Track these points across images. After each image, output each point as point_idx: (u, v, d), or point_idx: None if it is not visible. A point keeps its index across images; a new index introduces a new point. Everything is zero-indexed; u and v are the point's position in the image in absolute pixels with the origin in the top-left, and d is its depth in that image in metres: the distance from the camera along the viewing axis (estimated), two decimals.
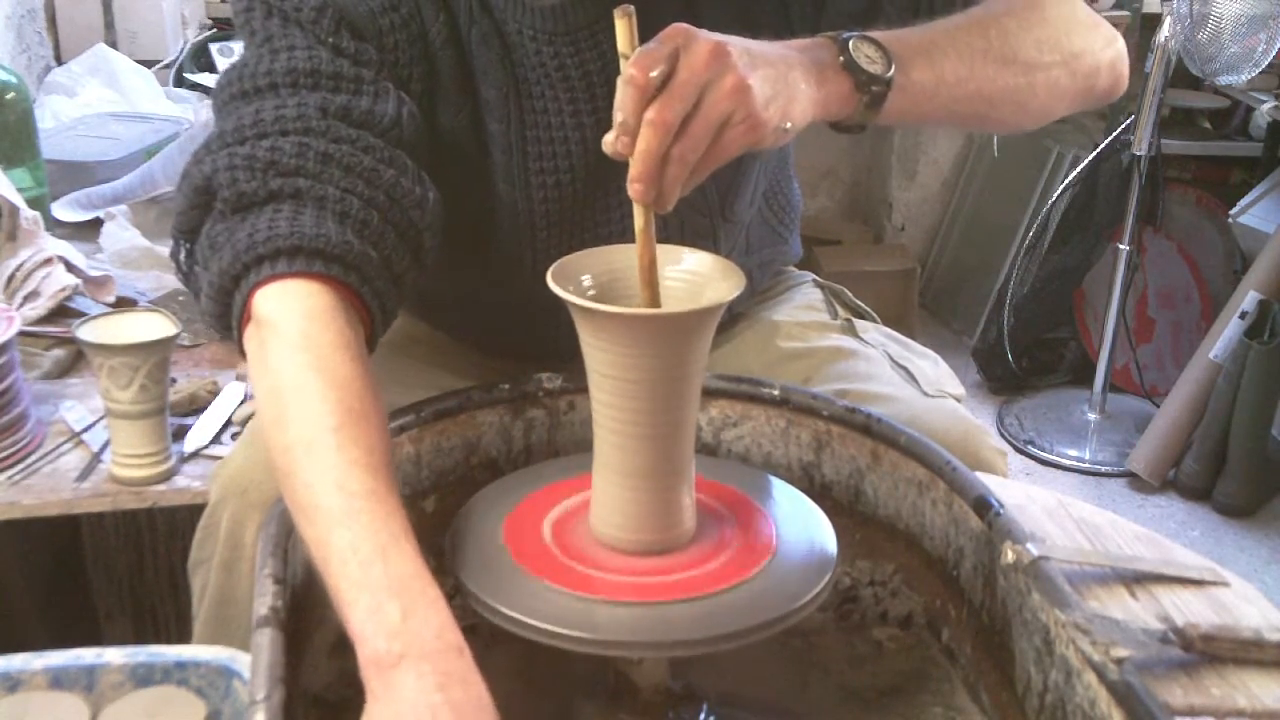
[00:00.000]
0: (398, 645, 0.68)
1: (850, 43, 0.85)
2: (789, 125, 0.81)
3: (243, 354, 0.88)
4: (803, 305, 1.25)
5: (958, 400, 1.12)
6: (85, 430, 1.44)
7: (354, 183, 0.89)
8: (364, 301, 0.88)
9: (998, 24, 0.94)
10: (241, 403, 1.50)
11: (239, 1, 1.00)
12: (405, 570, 0.72)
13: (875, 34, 0.87)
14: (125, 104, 2.40)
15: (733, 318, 1.21)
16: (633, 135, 0.75)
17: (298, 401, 0.79)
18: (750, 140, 0.79)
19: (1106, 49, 1.02)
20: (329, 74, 0.94)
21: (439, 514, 0.96)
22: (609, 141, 0.77)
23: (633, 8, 0.76)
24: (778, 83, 0.80)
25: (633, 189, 0.76)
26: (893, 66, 0.86)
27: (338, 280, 0.86)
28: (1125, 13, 3.13)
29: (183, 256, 0.95)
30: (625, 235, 1.07)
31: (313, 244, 0.85)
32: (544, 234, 1.08)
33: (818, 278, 1.32)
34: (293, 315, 0.83)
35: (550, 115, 1.04)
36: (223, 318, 0.90)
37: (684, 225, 1.10)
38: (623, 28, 0.76)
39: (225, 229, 0.88)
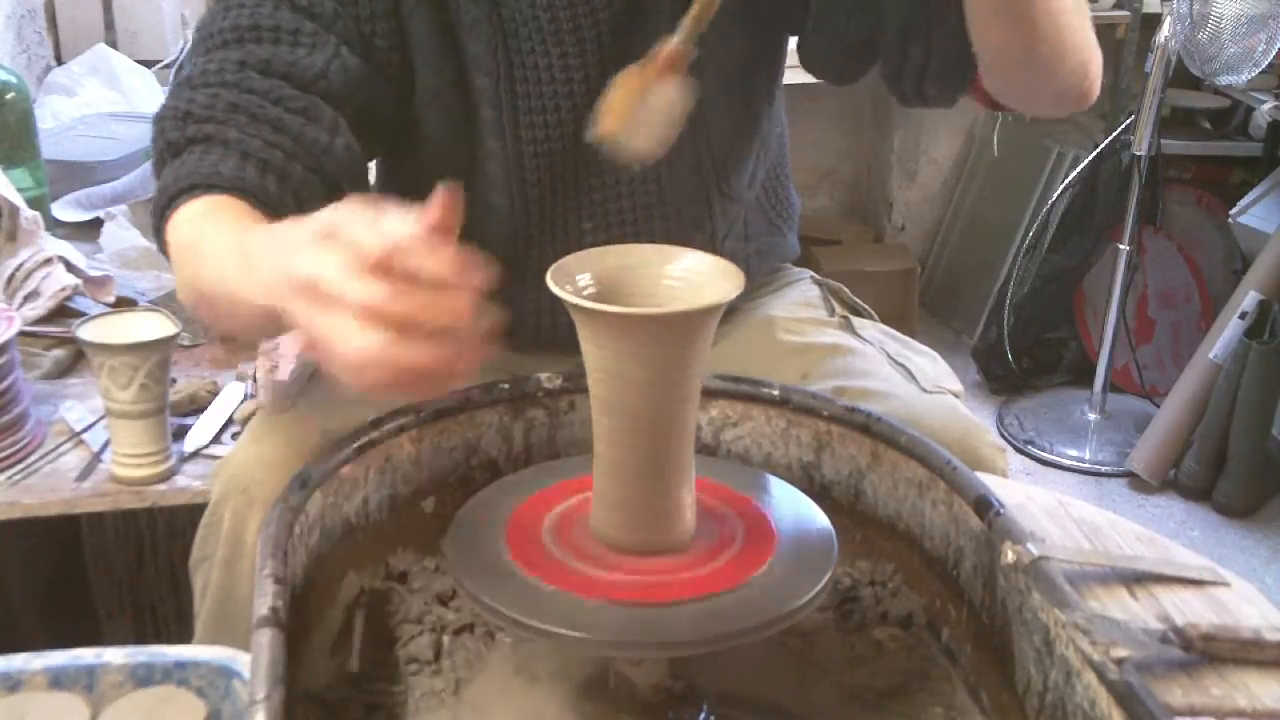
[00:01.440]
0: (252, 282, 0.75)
1: None
2: None
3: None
4: (800, 301, 1.25)
5: (956, 397, 1.12)
6: (85, 430, 1.44)
7: (259, 128, 0.96)
8: (266, 216, 0.91)
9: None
10: (241, 402, 1.50)
11: None
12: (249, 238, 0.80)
13: None
14: (125, 104, 2.40)
15: (729, 313, 1.21)
16: None
17: (203, 244, 0.88)
18: None
19: (1099, 57, 1.01)
20: (268, 27, 1.00)
21: (439, 514, 0.96)
22: None
23: None
24: None
25: None
26: None
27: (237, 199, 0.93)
28: (1125, 13, 3.13)
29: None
30: (615, 190, 1.07)
31: (208, 179, 0.93)
32: (534, 189, 1.08)
33: (815, 275, 1.32)
34: (195, 210, 0.92)
35: (540, 70, 1.05)
36: (162, 250, 0.97)
37: (678, 190, 1.10)
38: None
39: (162, 173, 0.99)
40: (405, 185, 1.04)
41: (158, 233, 0.96)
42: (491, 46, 1.04)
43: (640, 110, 0.81)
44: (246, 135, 0.95)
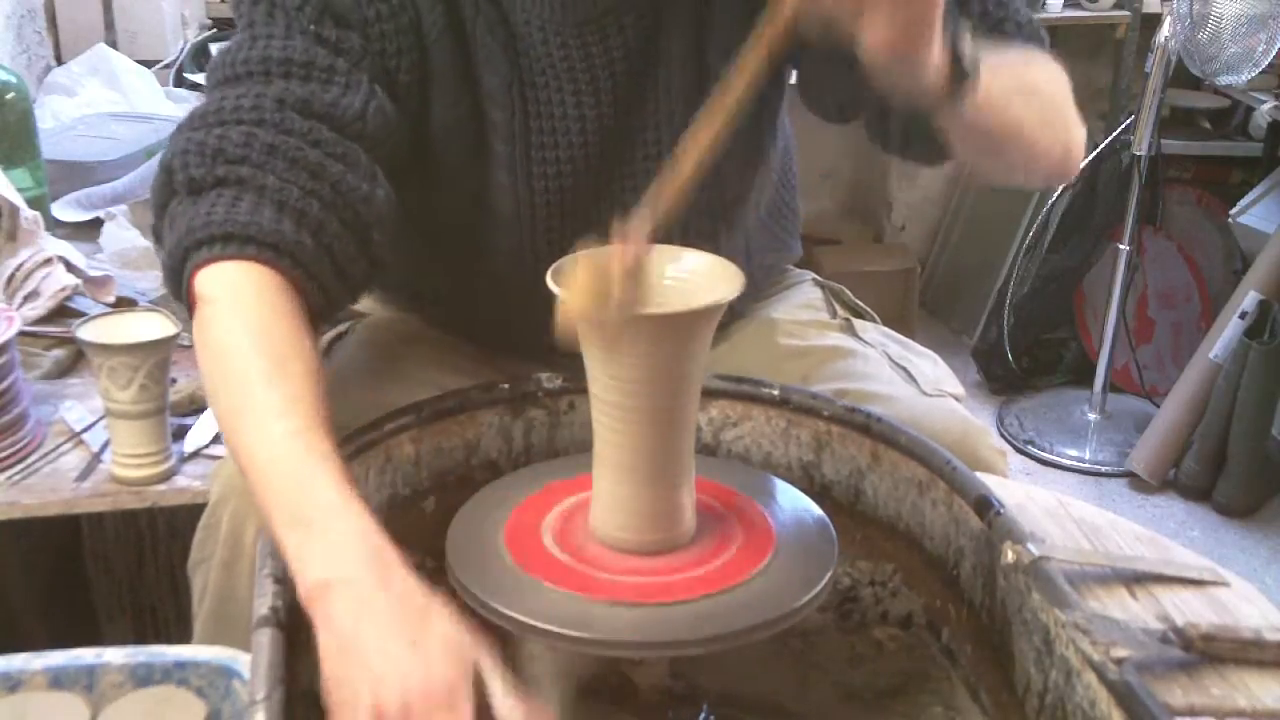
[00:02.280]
0: (320, 573, 0.71)
1: (959, 25, 0.86)
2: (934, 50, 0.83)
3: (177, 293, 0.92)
4: (802, 304, 1.25)
5: (957, 400, 1.12)
6: (85, 430, 1.44)
7: (297, 174, 0.91)
8: (299, 285, 0.89)
9: (1046, 82, 0.98)
10: None
11: None
12: (321, 499, 0.74)
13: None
14: (125, 104, 2.40)
15: (731, 315, 1.21)
16: None
17: (232, 361, 0.83)
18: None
19: (1079, 128, 1.04)
20: (300, 63, 0.95)
21: (439, 514, 0.96)
22: None
23: None
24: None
25: None
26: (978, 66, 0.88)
27: (270, 264, 0.88)
28: (1125, 13, 3.13)
29: (157, 229, 0.99)
30: (620, 205, 1.07)
31: (244, 230, 0.87)
32: (544, 224, 1.08)
33: (817, 277, 1.32)
34: (226, 290, 0.87)
35: (554, 106, 1.05)
36: (176, 295, 0.93)
37: (687, 228, 1.10)
38: None
39: (180, 209, 0.92)
40: (412, 216, 1.03)
41: (176, 275, 0.90)
42: (507, 82, 1.03)
43: (608, 287, 0.78)
44: (285, 182, 0.90)
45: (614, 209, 1.06)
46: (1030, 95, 0.97)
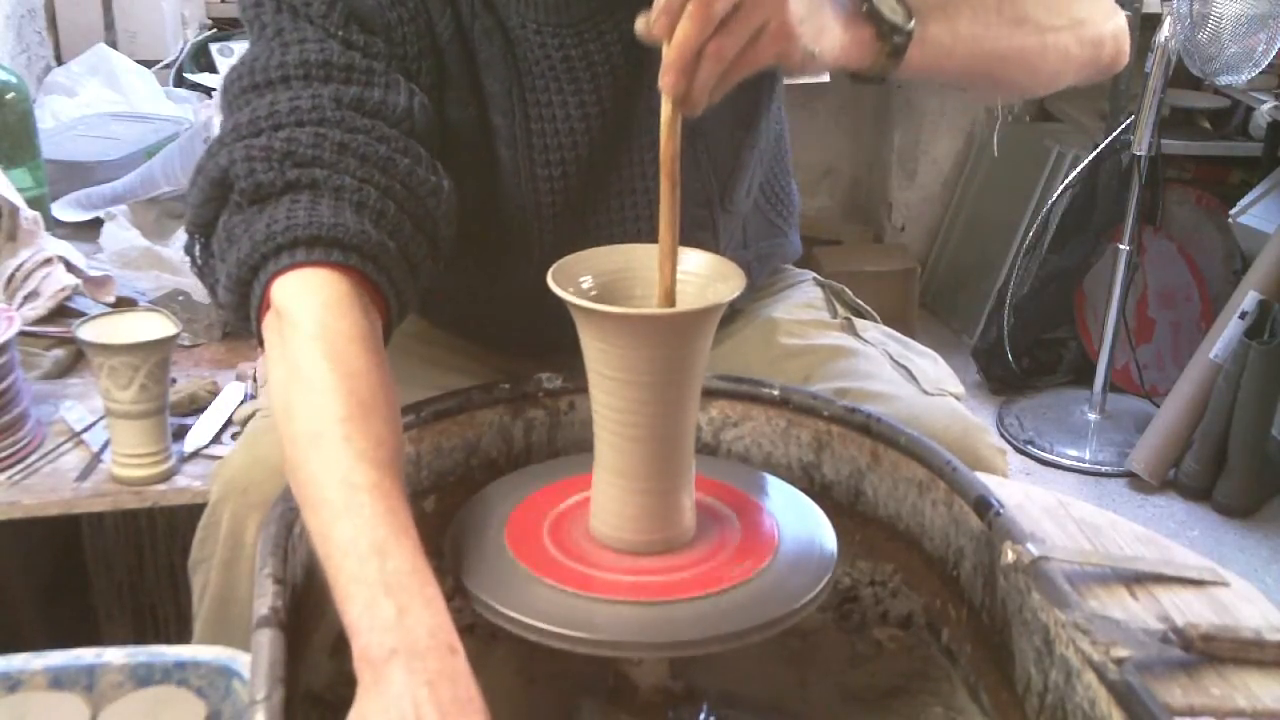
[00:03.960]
0: (390, 640, 0.68)
1: None
2: (816, 51, 0.82)
3: (261, 344, 0.88)
4: (802, 303, 1.25)
5: (957, 399, 1.12)
6: (85, 430, 1.44)
7: (370, 172, 0.89)
8: (381, 291, 0.88)
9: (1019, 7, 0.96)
10: (241, 403, 1.50)
11: None
12: (403, 567, 0.72)
13: None
14: (125, 104, 2.40)
15: (732, 314, 1.21)
16: (674, 18, 0.75)
17: (309, 391, 0.79)
18: (780, 51, 0.79)
19: (1108, 20, 1.05)
20: (340, 66, 0.94)
21: (439, 514, 0.96)
22: (644, 24, 0.76)
23: None
24: (811, 7, 0.81)
25: (664, 80, 0.76)
26: (913, 19, 0.88)
27: (355, 270, 0.85)
28: (1125, 13, 3.13)
29: (197, 251, 0.95)
30: (630, 226, 1.08)
31: (330, 233, 0.85)
32: (549, 225, 1.08)
33: (818, 276, 1.32)
34: (309, 304, 0.83)
35: (555, 108, 1.05)
36: (240, 309, 0.89)
37: (684, 215, 1.10)
38: None
39: (243, 220, 0.88)
40: None
41: (245, 287, 0.87)
42: (506, 86, 1.04)
43: None
44: (361, 182, 0.88)
45: (617, 205, 1.07)
46: (1015, 15, 0.96)
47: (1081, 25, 1.02)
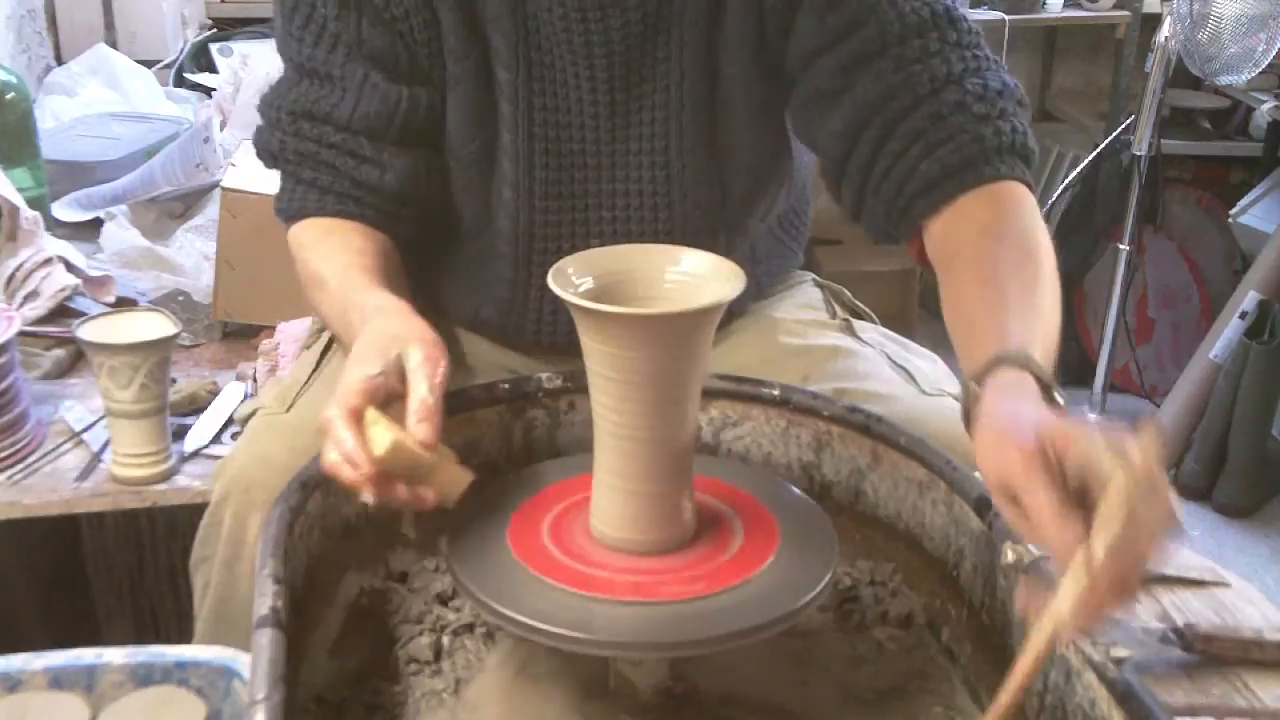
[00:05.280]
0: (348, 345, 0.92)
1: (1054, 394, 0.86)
2: None
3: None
4: (802, 304, 1.25)
5: (956, 399, 1.12)
6: (85, 430, 1.44)
7: (318, 174, 1.09)
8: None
9: (1056, 300, 1.00)
10: (241, 402, 1.50)
11: None
12: (351, 298, 0.97)
13: (1037, 353, 0.89)
14: (125, 104, 2.40)
15: (731, 315, 1.21)
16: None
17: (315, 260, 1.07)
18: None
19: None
20: (308, 70, 1.09)
21: (439, 514, 0.95)
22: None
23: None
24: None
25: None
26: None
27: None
28: (1125, 13, 3.13)
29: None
30: (622, 192, 1.09)
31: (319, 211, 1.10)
32: (541, 187, 1.09)
33: (817, 277, 1.32)
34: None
35: (557, 70, 1.07)
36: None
37: (687, 224, 1.10)
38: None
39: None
40: (433, 176, 1.12)
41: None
42: (512, 42, 1.06)
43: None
44: (313, 175, 1.09)
45: (614, 179, 1.09)
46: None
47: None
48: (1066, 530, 0.64)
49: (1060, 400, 0.81)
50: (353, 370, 0.84)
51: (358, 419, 0.81)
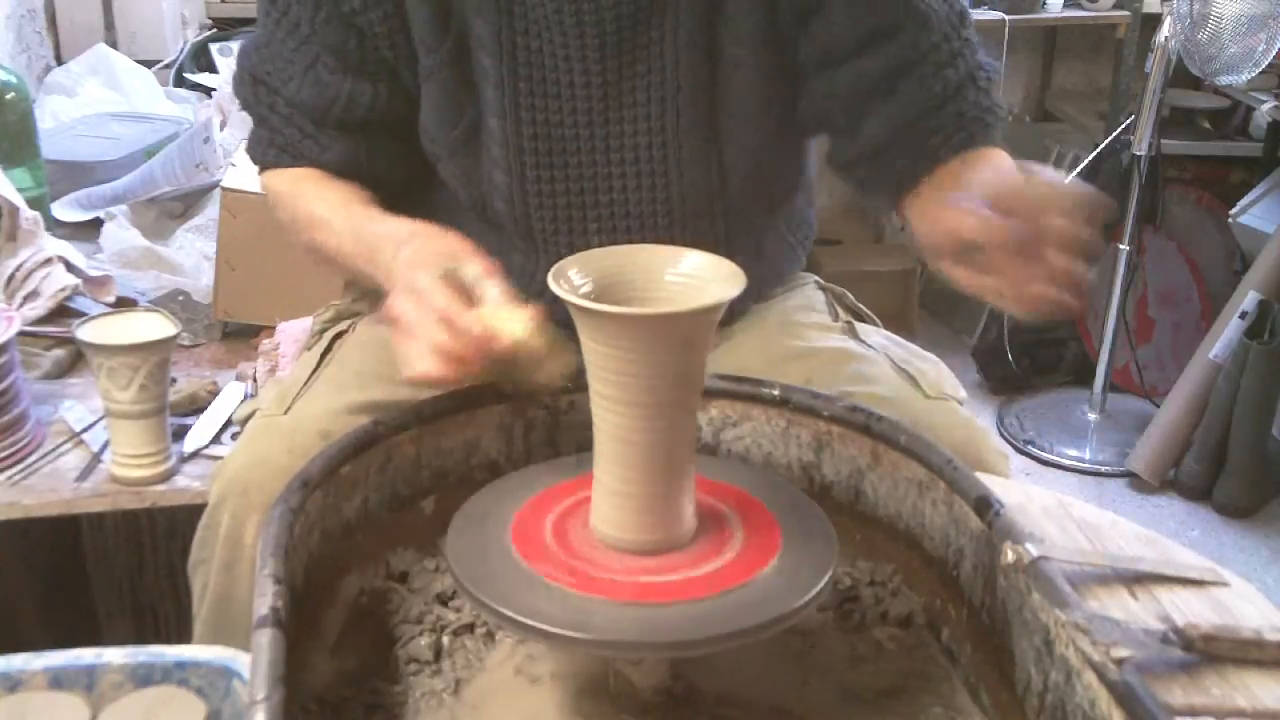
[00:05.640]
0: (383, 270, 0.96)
1: None
2: None
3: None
4: (804, 306, 1.25)
5: (959, 403, 1.12)
6: (85, 430, 1.44)
7: (274, 134, 1.16)
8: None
9: None
10: (241, 402, 1.50)
11: None
12: (368, 230, 1.03)
13: None
14: (125, 104, 2.40)
15: (732, 316, 1.21)
16: None
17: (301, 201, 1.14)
18: None
19: None
20: (270, 41, 1.13)
21: (439, 514, 0.96)
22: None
23: None
24: None
25: None
26: None
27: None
28: (1125, 13, 3.13)
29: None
30: (619, 175, 1.10)
31: (262, 161, 1.20)
32: (533, 171, 1.10)
33: (819, 279, 1.32)
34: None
35: (545, 55, 1.07)
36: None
37: (685, 204, 1.11)
38: None
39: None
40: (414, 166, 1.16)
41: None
42: (495, 27, 1.06)
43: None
44: (275, 134, 1.16)
45: (608, 161, 1.10)
46: None
47: None
48: (1021, 265, 0.85)
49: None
50: (421, 280, 0.87)
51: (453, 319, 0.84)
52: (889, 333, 1.24)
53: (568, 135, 1.09)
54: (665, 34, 1.07)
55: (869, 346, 1.18)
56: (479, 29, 1.06)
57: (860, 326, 1.22)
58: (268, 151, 1.18)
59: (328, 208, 1.10)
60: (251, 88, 1.17)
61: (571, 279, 0.81)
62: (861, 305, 1.29)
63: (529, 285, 1.16)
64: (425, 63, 1.09)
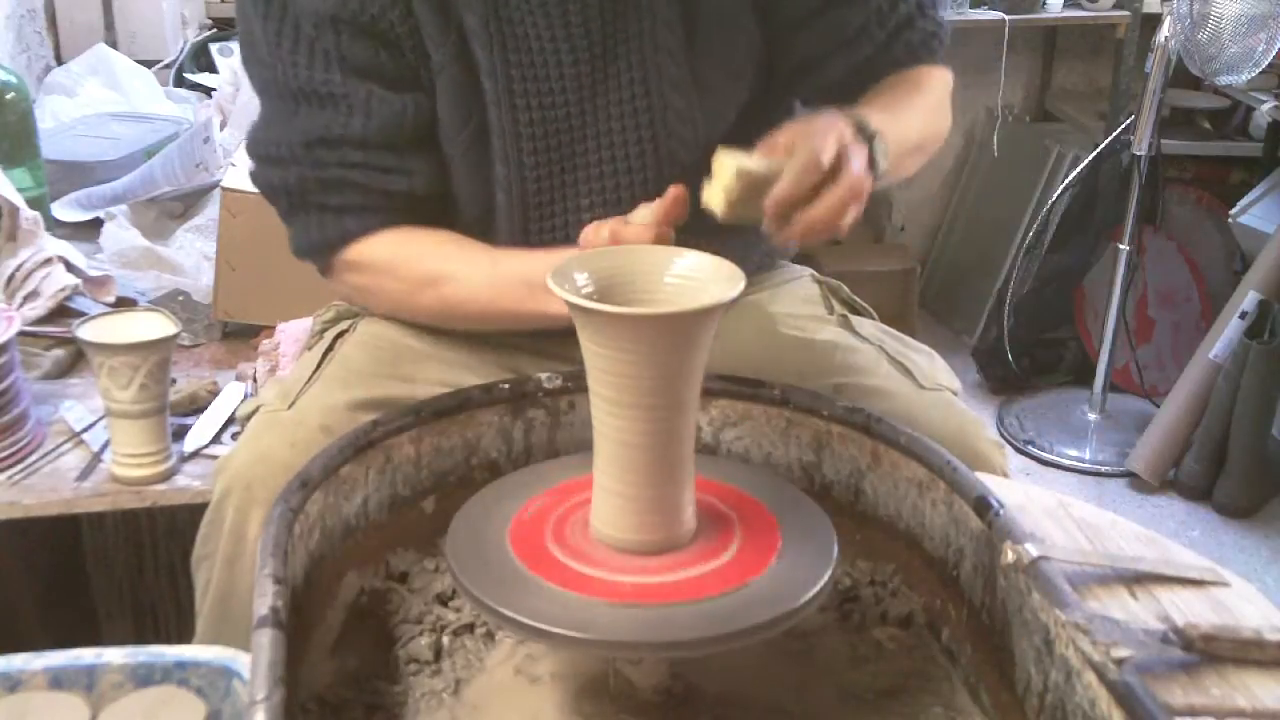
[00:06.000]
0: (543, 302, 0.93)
1: (875, 143, 0.97)
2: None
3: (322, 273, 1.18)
4: (799, 298, 1.26)
5: (954, 394, 1.12)
6: (85, 430, 1.44)
7: (346, 198, 1.11)
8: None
9: (932, 113, 1.17)
10: (242, 402, 1.50)
11: None
12: (516, 269, 1.05)
13: (875, 122, 0.98)
14: (125, 104, 2.40)
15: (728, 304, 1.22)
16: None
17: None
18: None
19: (944, 129, 1.23)
20: (307, 94, 1.09)
21: (439, 514, 0.96)
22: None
23: None
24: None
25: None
26: (885, 166, 0.98)
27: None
28: (1125, 13, 3.13)
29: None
30: (613, 165, 1.12)
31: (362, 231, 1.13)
32: (530, 158, 1.11)
33: (815, 273, 1.32)
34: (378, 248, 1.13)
35: (531, 40, 1.08)
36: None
37: (673, 160, 1.13)
38: None
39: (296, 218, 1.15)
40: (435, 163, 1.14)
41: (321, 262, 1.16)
42: (484, 18, 1.07)
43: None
44: (348, 198, 1.11)
45: (598, 132, 1.11)
46: (921, 143, 1.14)
47: (943, 126, 1.21)
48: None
49: (867, 138, 0.96)
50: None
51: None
52: (884, 325, 1.24)
53: (560, 116, 1.10)
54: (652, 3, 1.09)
55: (863, 338, 1.18)
56: (470, 22, 1.07)
57: (855, 319, 1.23)
58: (344, 223, 1.11)
59: (441, 262, 1.09)
60: (308, 157, 1.09)
61: (572, 279, 0.81)
62: (857, 298, 1.29)
63: None
64: (436, 59, 1.09)
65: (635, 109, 1.11)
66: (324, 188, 1.10)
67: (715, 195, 0.91)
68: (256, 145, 1.13)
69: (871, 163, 0.96)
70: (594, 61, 1.10)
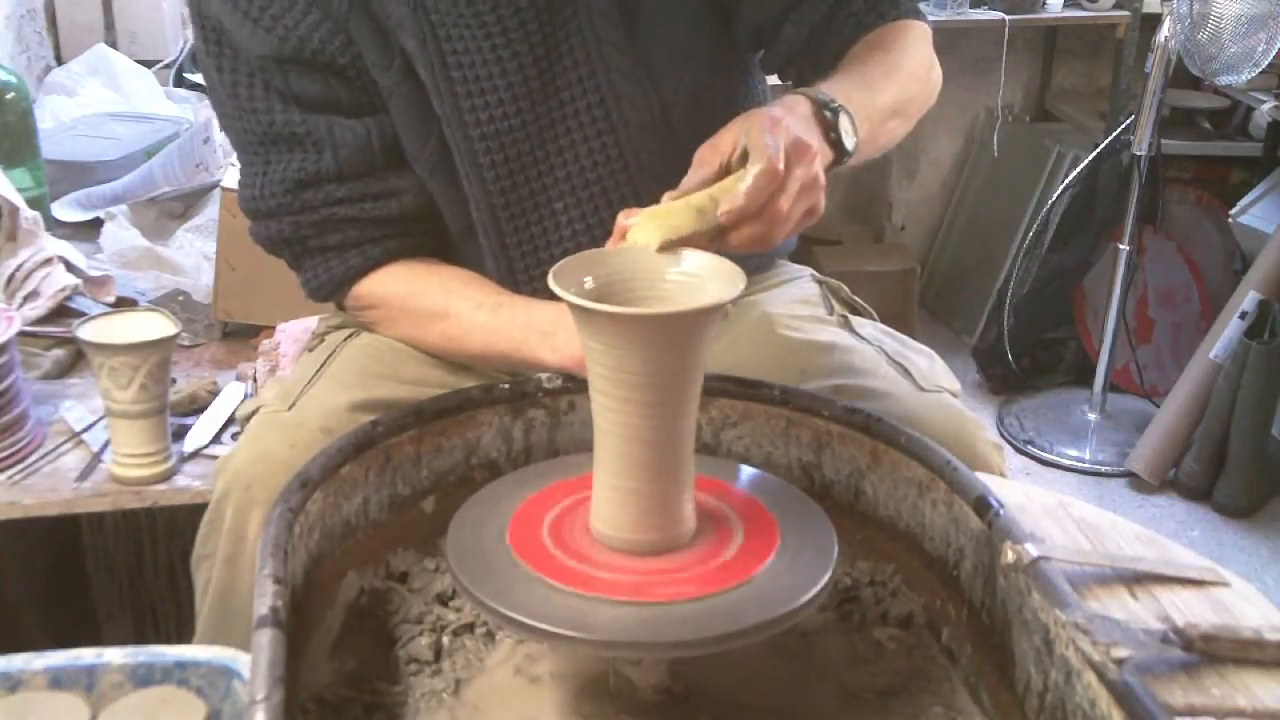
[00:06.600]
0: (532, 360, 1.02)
1: (839, 118, 0.97)
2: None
3: (340, 307, 1.22)
4: (799, 299, 1.25)
5: (954, 395, 1.12)
6: (85, 430, 1.44)
7: (343, 234, 1.13)
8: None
9: (910, 76, 1.12)
10: (242, 402, 1.50)
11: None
12: (515, 317, 1.06)
13: (842, 100, 0.98)
14: (125, 104, 2.40)
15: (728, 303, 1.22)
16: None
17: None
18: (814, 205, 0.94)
19: (932, 86, 1.17)
20: (275, 137, 1.10)
21: (439, 514, 0.96)
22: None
23: None
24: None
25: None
26: (856, 139, 0.98)
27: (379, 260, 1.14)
28: (1125, 13, 3.13)
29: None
30: (578, 164, 1.12)
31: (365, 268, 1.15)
32: (490, 171, 1.11)
33: (815, 273, 1.32)
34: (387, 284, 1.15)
35: (472, 54, 1.08)
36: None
37: (639, 151, 1.13)
38: None
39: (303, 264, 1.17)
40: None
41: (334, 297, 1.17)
42: (421, 40, 1.07)
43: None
44: (345, 234, 1.12)
45: (556, 136, 1.12)
46: (901, 107, 1.10)
47: (932, 85, 1.17)
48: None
49: (830, 115, 0.97)
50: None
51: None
52: (884, 325, 1.24)
53: (515, 125, 1.10)
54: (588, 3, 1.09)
55: (863, 339, 1.18)
56: (409, 45, 1.08)
57: (855, 320, 1.23)
58: (348, 259, 1.13)
59: (447, 297, 1.11)
60: (295, 203, 1.11)
61: (572, 279, 0.81)
62: (857, 298, 1.29)
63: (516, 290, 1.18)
64: (384, 84, 1.09)
65: (589, 104, 1.11)
66: (319, 230, 1.12)
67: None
68: (245, 203, 1.14)
69: (836, 141, 0.96)
70: (539, 65, 1.09)
